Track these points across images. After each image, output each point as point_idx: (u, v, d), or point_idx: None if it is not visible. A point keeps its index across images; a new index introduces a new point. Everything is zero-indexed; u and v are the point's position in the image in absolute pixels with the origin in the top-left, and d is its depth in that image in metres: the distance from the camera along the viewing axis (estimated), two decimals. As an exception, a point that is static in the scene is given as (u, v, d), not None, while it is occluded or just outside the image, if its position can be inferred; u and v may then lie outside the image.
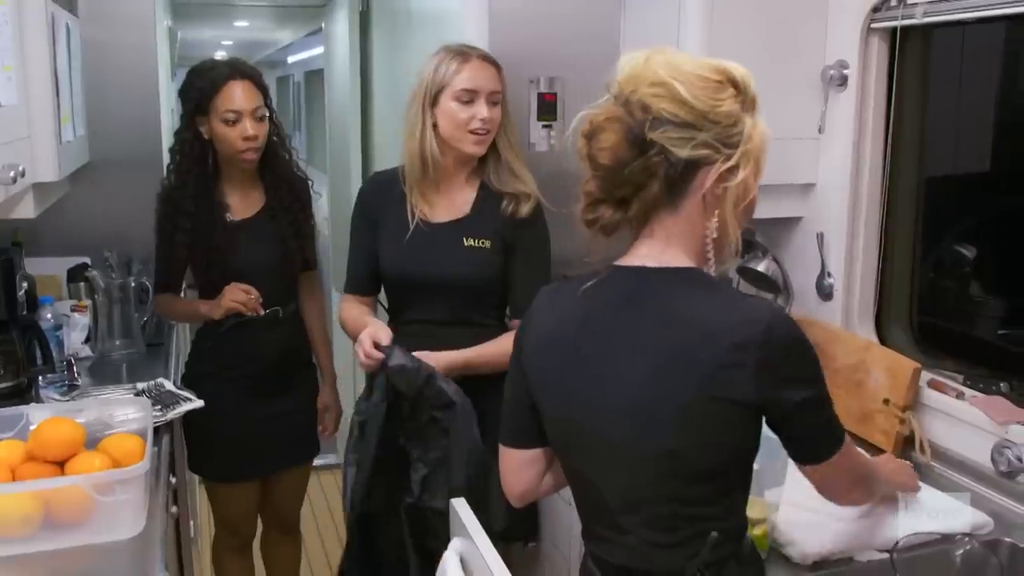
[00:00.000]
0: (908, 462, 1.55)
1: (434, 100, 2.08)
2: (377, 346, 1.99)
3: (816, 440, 1.32)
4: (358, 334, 2.06)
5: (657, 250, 1.32)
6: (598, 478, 1.37)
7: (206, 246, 2.44)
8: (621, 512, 1.35)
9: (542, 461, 1.49)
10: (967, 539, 1.67)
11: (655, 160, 1.25)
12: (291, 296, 2.60)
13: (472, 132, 2.06)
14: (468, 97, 2.06)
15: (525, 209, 2.11)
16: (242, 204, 2.50)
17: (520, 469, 1.50)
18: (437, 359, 2.01)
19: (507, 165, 2.13)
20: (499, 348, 2.03)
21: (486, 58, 2.11)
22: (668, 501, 1.31)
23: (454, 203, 2.17)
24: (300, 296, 2.66)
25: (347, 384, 3.46)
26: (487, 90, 2.07)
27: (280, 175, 2.54)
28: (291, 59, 9.23)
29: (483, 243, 2.12)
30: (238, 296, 2.39)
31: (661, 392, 1.26)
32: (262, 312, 2.43)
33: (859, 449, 1.41)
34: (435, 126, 2.09)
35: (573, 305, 1.37)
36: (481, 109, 2.06)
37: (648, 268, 1.31)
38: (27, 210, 2.16)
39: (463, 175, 2.16)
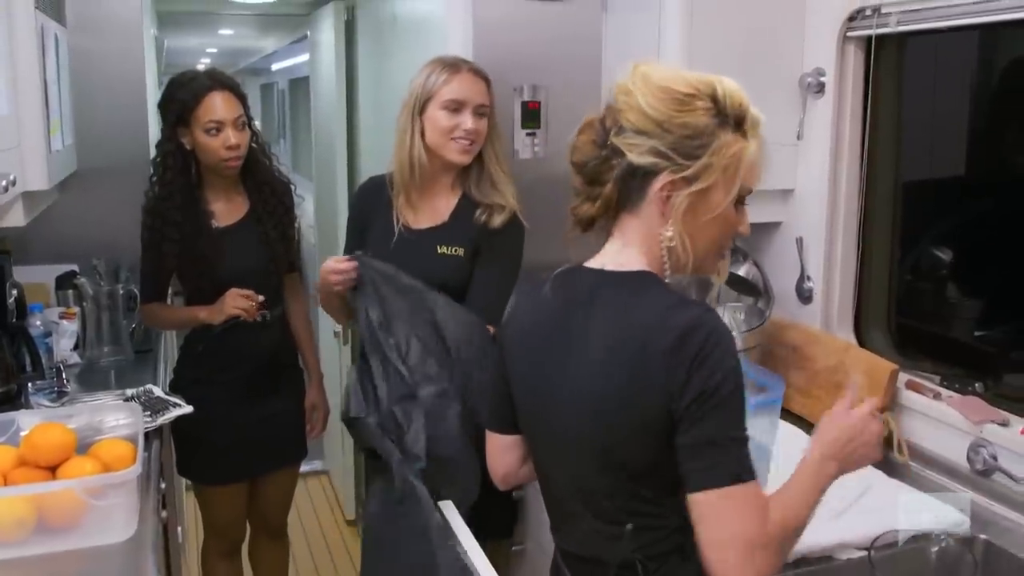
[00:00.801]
0: (878, 422, 1.42)
1: (422, 108, 2.13)
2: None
3: (706, 456, 1.24)
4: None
5: (616, 251, 1.40)
6: (553, 468, 1.47)
7: (193, 254, 2.46)
8: (573, 501, 1.43)
9: (522, 446, 1.57)
10: (943, 536, 1.71)
11: (612, 163, 1.35)
12: (278, 299, 2.63)
13: (455, 140, 2.10)
14: (455, 107, 2.10)
15: (498, 220, 2.15)
16: (226, 211, 2.53)
17: (502, 452, 1.60)
18: None
19: (489, 176, 2.17)
20: None
21: (476, 71, 2.16)
22: (611, 495, 1.37)
23: (436, 211, 2.20)
24: (285, 298, 2.69)
25: (334, 384, 3.48)
26: (474, 102, 2.11)
27: (262, 180, 2.57)
28: (275, 67, 9.24)
29: (456, 251, 2.16)
30: (240, 303, 2.42)
31: (600, 390, 1.32)
32: (258, 317, 2.46)
33: (771, 513, 1.27)
34: (422, 134, 2.13)
35: (544, 301, 1.44)
36: (466, 120, 2.10)
37: (605, 271, 1.39)
38: (16, 218, 2.18)
39: (447, 183, 2.20)
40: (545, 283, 1.46)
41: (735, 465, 1.24)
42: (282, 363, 2.67)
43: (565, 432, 1.40)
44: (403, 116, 2.17)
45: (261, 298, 2.45)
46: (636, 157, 1.32)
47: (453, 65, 2.14)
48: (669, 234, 1.33)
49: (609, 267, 1.39)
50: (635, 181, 1.34)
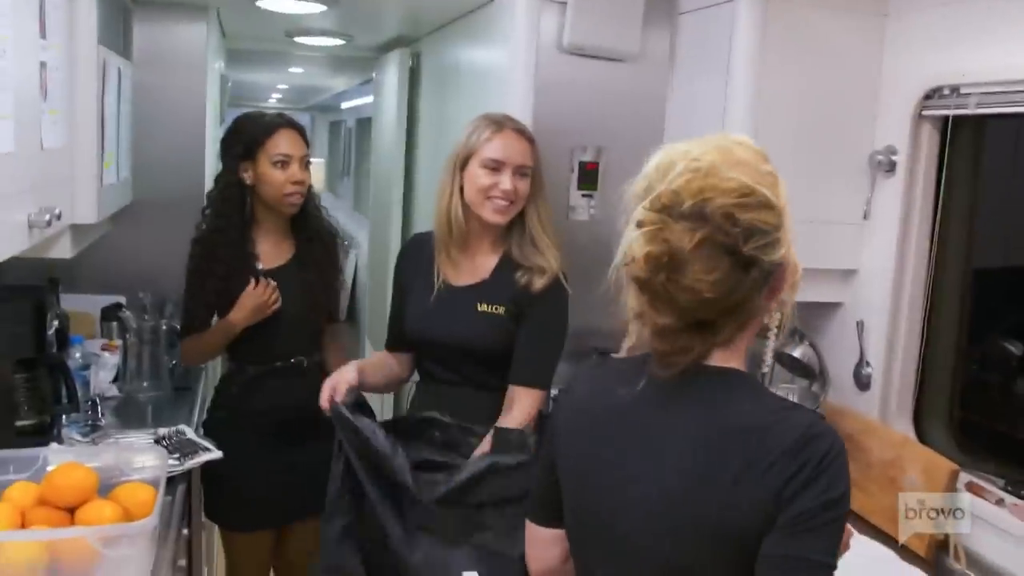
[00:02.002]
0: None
1: (464, 164, 2.10)
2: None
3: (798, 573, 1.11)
4: None
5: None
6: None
7: (234, 294, 2.44)
8: None
9: (567, 541, 1.39)
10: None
11: (756, 276, 1.14)
12: (315, 347, 2.60)
13: (491, 199, 2.06)
14: (494, 166, 2.06)
15: (539, 283, 2.08)
16: (272, 254, 2.52)
17: (544, 547, 1.43)
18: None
19: (531, 238, 2.12)
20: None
21: (520, 131, 2.11)
22: None
23: (476, 268, 2.16)
24: (324, 347, 2.65)
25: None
26: (515, 163, 2.07)
27: (312, 227, 2.57)
28: (344, 105, 9.39)
29: (497, 309, 2.11)
30: (255, 297, 2.42)
31: (687, 497, 1.16)
32: (278, 301, 2.45)
33: None
34: (461, 190, 2.09)
35: (610, 390, 1.27)
36: (505, 180, 2.05)
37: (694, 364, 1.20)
38: (63, 250, 2.18)
39: (488, 242, 2.15)
40: (605, 368, 1.32)
41: None
42: (316, 411, 2.62)
43: (630, 542, 1.22)
44: (445, 171, 2.14)
45: (273, 283, 2.44)
46: (776, 256, 1.15)
47: (497, 123, 2.10)
48: (778, 315, 1.22)
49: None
50: (769, 282, 1.18)
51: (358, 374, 2.09)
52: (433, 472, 1.96)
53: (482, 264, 2.16)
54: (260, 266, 2.48)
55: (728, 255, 1.12)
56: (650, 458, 1.20)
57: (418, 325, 2.18)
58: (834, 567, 1.12)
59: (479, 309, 2.11)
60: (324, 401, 2.05)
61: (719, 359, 1.20)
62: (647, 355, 1.23)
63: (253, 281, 2.43)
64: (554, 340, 2.12)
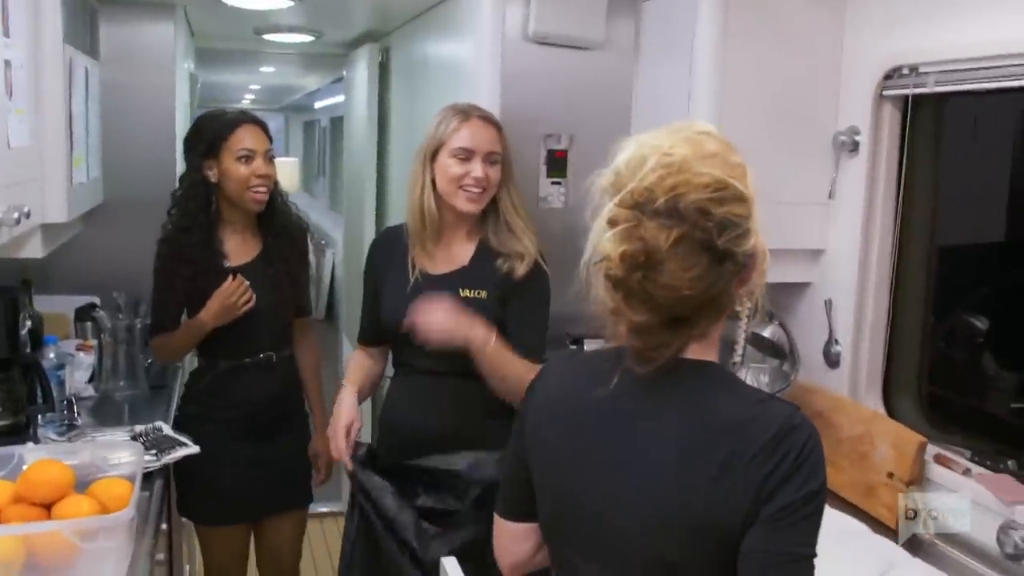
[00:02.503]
0: None
1: (433, 156, 2.10)
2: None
3: (783, 572, 1.12)
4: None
5: None
6: (590, 573, 1.27)
7: (203, 293, 2.44)
8: None
9: (539, 534, 1.39)
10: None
11: (730, 268, 1.14)
12: (284, 342, 2.61)
13: (464, 188, 2.07)
14: (464, 155, 2.07)
15: (521, 269, 2.10)
16: (239, 250, 2.52)
17: (514, 542, 1.43)
18: (466, 329, 2.00)
19: (506, 224, 2.13)
20: (522, 368, 1.98)
21: (487, 119, 2.13)
22: None
23: (453, 257, 2.16)
24: (294, 342, 2.66)
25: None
26: (484, 150, 2.08)
27: (279, 222, 2.56)
28: (318, 104, 9.37)
29: (479, 293, 2.12)
30: (224, 295, 2.41)
31: (672, 498, 1.15)
32: (251, 300, 2.44)
33: None
34: (433, 182, 2.10)
35: (585, 384, 1.26)
36: (476, 167, 2.06)
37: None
38: (34, 250, 2.17)
39: (463, 231, 2.16)
40: (577, 360, 1.31)
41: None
42: (286, 406, 2.64)
43: (616, 538, 1.21)
44: (415, 163, 2.15)
45: (246, 283, 2.42)
46: (747, 246, 1.15)
47: (464, 112, 2.11)
48: (749, 304, 1.23)
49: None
50: (741, 273, 1.17)
51: (356, 405, 2.17)
52: (440, 517, 2.02)
53: (459, 253, 2.17)
54: (227, 263, 2.48)
55: (705, 251, 1.11)
56: (633, 454, 1.20)
57: (397, 316, 2.17)
58: (815, 555, 1.13)
59: (462, 294, 2.12)
60: (339, 454, 2.11)
61: (695, 352, 1.20)
62: (622, 348, 1.22)
63: (230, 277, 2.42)
64: (543, 315, 2.15)
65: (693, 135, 1.18)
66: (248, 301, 2.43)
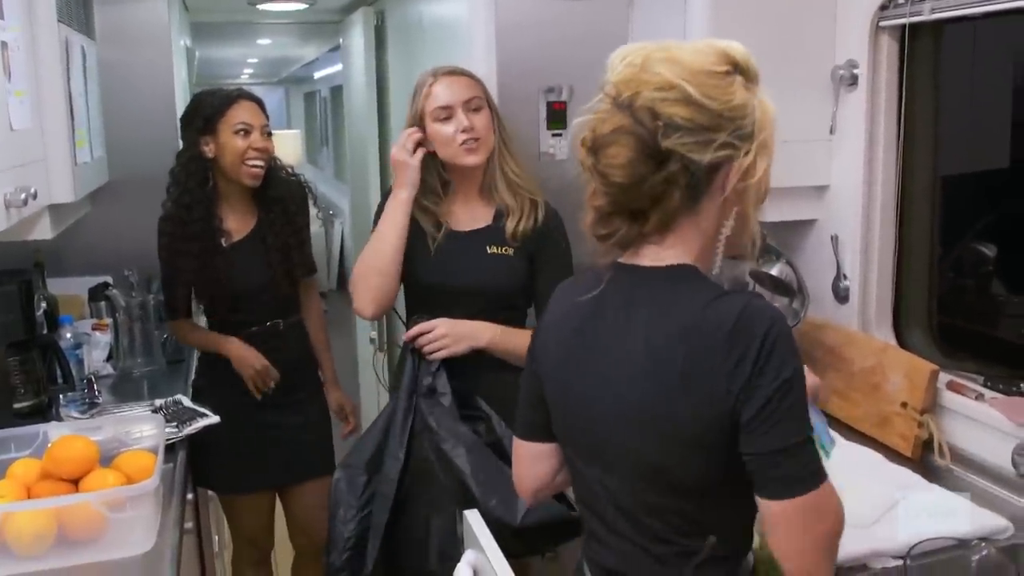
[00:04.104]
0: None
1: (422, 126, 2.12)
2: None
3: (780, 466, 1.15)
4: None
5: (658, 248, 1.25)
6: (594, 478, 1.33)
7: (207, 272, 2.48)
8: (615, 516, 1.31)
9: (556, 456, 1.44)
10: (983, 545, 1.64)
11: (674, 170, 1.17)
12: (291, 308, 2.64)
13: (460, 145, 2.08)
14: (445, 113, 2.09)
15: (540, 215, 2.14)
16: (237, 226, 2.54)
17: (533, 463, 1.47)
18: (467, 340, 2.09)
19: (514, 184, 2.15)
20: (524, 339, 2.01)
21: (453, 71, 2.14)
22: (657, 512, 1.26)
23: (475, 217, 2.18)
24: (302, 305, 2.70)
25: (350, 387, 3.45)
26: (462, 99, 2.09)
27: (273, 196, 2.58)
28: (317, 75, 9.34)
29: (506, 250, 2.14)
30: (249, 371, 2.51)
31: (645, 398, 1.21)
32: (271, 385, 2.55)
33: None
34: (434, 154, 2.13)
35: (580, 303, 1.32)
36: (460, 118, 2.08)
37: (643, 267, 1.26)
38: (44, 231, 2.20)
39: (475, 189, 2.17)
40: (579, 284, 1.35)
41: (809, 471, 1.16)
42: (301, 372, 2.66)
43: (608, 445, 1.28)
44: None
45: (272, 384, 2.53)
46: (708, 156, 1.17)
47: (431, 74, 2.14)
48: (732, 224, 1.24)
49: (646, 263, 1.25)
50: (700, 182, 1.19)
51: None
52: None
53: (480, 213, 2.18)
54: (227, 241, 2.50)
55: (641, 145, 1.17)
56: (615, 363, 1.25)
57: (423, 273, 2.16)
58: (810, 438, 1.17)
59: (488, 251, 2.14)
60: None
61: (671, 257, 1.24)
62: (606, 267, 1.29)
63: (257, 367, 2.51)
64: (568, 254, 2.16)
65: (699, 45, 1.22)
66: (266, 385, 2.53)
